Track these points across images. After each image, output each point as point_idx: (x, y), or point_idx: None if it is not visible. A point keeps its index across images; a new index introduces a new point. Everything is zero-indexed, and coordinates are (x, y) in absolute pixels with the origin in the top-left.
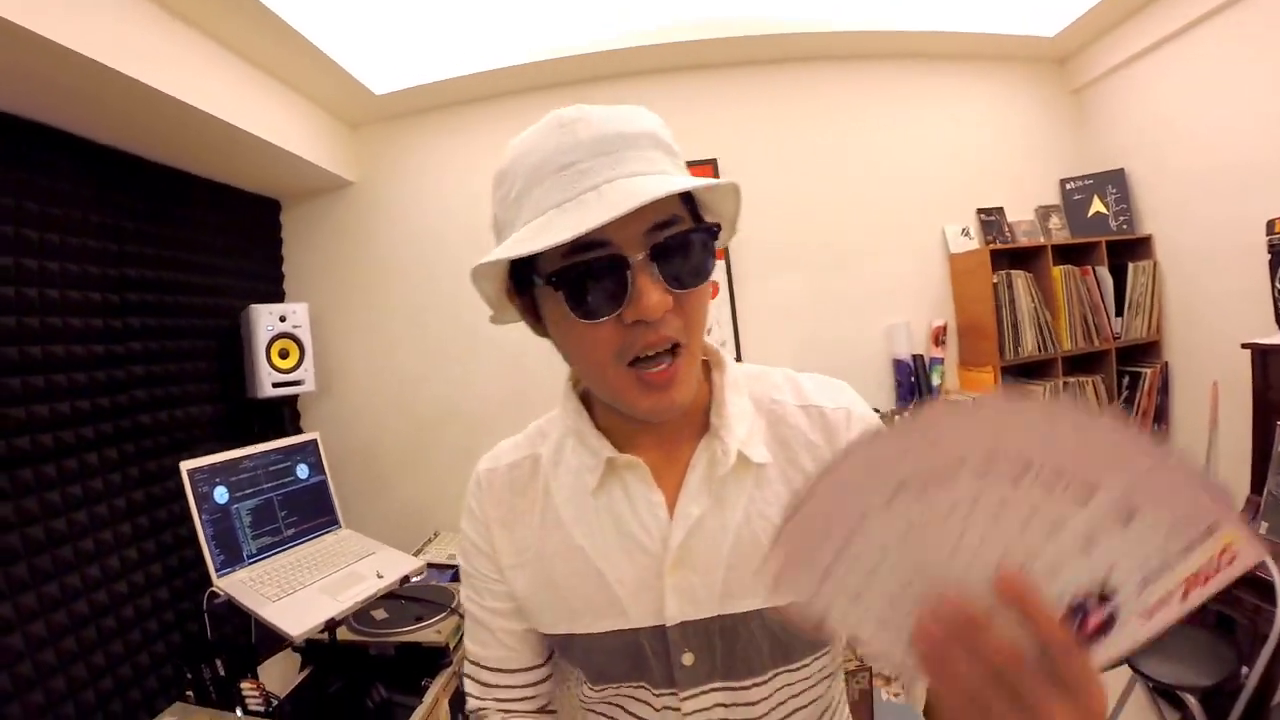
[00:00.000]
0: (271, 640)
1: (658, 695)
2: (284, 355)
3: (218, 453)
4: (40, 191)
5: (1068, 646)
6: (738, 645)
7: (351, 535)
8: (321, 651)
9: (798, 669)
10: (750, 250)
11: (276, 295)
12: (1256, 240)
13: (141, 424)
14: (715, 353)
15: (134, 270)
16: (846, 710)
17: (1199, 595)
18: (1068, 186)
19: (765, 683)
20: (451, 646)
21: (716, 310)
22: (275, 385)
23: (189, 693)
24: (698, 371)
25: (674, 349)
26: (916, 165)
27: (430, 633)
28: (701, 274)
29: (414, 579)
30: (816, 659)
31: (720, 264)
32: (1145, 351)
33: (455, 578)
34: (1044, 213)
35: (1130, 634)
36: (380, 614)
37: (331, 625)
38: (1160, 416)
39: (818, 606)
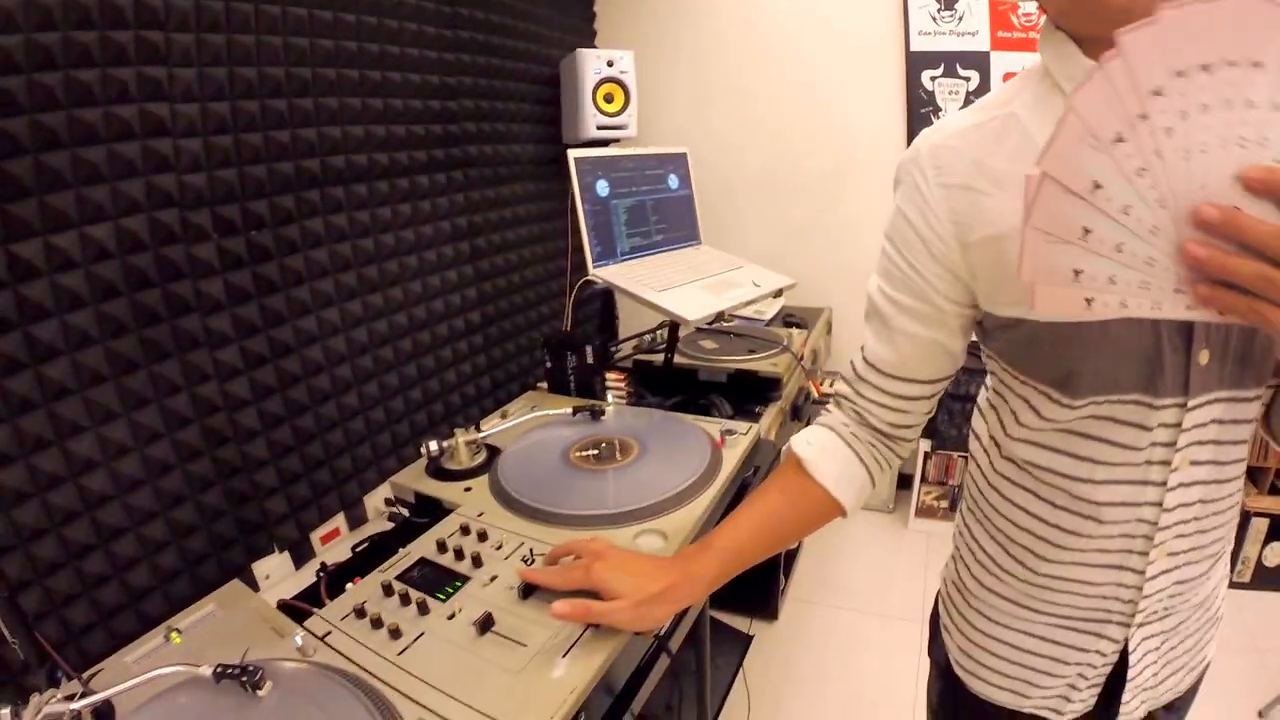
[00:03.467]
0: None
1: (1157, 408)
2: (609, 100)
3: (598, 149)
4: None
5: None
6: (1253, 344)
7: (711, 250)
8: (650, 373)
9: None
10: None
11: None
12: None
13: (469, 155)
14: None
15: (465, 8)
16: None
17: None
18: None
19: (1257, 398)
20: (785, 380)
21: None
22: (599, 128)
23: (541, 384)
24: None
25: None
26: None
27: (765, 363)
28: None
29: (785, 293)
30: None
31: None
32: None
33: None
34: None
35: None
36: (709, 344)
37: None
38: None
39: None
